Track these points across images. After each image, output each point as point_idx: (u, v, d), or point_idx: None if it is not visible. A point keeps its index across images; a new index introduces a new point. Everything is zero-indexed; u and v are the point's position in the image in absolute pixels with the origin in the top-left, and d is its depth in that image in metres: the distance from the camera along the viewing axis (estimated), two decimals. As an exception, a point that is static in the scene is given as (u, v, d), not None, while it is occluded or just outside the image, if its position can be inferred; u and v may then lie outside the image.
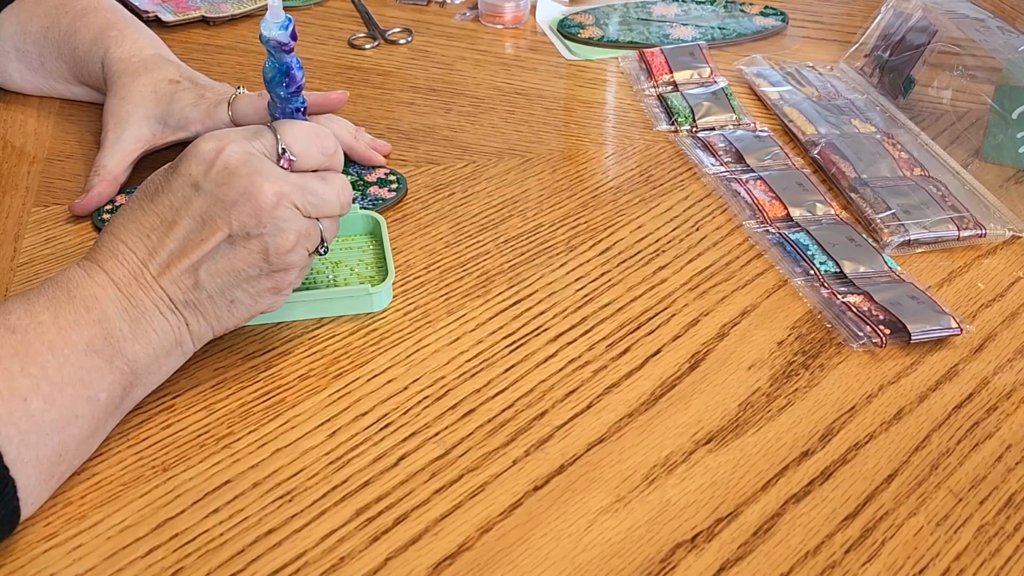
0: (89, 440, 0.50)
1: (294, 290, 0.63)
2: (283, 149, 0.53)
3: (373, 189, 0.75)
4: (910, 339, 0.60)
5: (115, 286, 0.51)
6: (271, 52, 0.56)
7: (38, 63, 0.83)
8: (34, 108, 0.86)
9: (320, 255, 0.57)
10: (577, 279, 0.66)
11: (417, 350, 0.60)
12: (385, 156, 0.79)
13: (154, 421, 0.55)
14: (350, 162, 0.77)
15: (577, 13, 1.06)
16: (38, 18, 0.81)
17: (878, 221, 0.70)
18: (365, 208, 0.72)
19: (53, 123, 0.84)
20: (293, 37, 0.55)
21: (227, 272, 0.52)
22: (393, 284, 0.64)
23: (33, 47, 0.82)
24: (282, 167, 0.53)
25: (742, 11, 1.06)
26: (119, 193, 0.73)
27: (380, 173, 0.77)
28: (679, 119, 0.85)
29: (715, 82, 0.91)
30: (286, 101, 0.58)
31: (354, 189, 0.75)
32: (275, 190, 0.51)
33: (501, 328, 0.62)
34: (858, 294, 0.64)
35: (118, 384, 0.50)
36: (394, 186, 0.75)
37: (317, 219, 0.55)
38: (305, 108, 0.59)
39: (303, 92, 0.58)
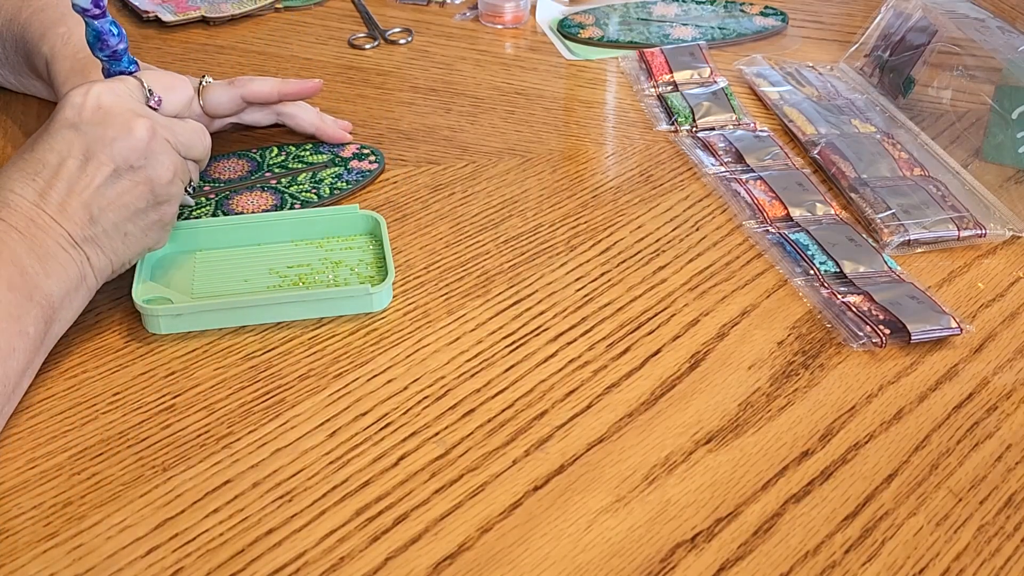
0: (25, 373, 0.54)
1: (294, 290, 0.64)
2: (150, 90, 0.60)
3: (354, 163, 0.77)
4: (910, 339, 0.60)
5: (16, 230, 0.54)
6: (84, 19, 0.60)
7: (2, 55, 0.84)
8: (34, 108, 0.86)
9: (191, 194, 0.64)
10: (577, 279, 0.66)
11: (417, 350, 0.60)
12: (349, 132, 0.82)
13: (154, 421, 0.55)
14: (320, 142, 0.80)
15: (577, 13, 1.06)
16: (4, 11, 0.82)
17: (878, 221, 0.70)
18: (355, 180, 0.75)
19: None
20: (96, 4, 0.59)
21: (118, 206, 0.56)
22: (393, 284, 0.64)
23: None
24: (152, 107, 0.60)
25: (742, 11, 1.06)
26: None
27: (353, 148, 0.79)
28: (679, 119, 0.85)
29: (715, 82, 0.91)
30: (110, 64, 0.62)
31: (335, 166, 0.77)
32: (149, 124, 0.57)
33: (501, 328, 0.62)
34: (858, 294, 0.64)
35: (41, 318, 0.54)
36: (372, 158, 0.78)
37: (185, 159, 0.61)
38: (134, 72, 0.63)
39: (127, 54, 0.62)
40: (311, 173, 0.76)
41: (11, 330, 0.52)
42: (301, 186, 0.74)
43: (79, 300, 0.57)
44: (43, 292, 0.54)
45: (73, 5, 0.59)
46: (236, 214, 0.71)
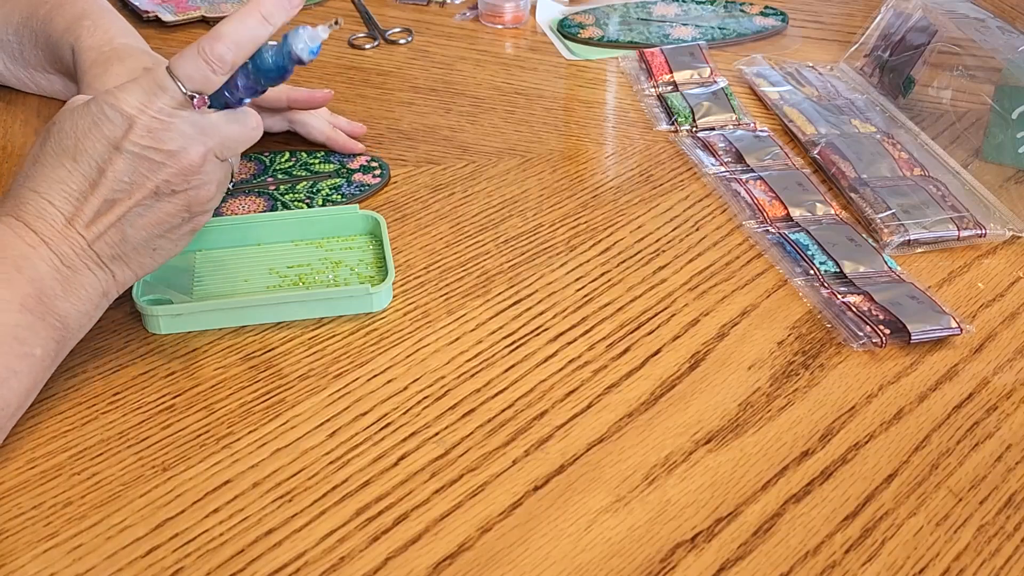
0: (29, 394, 0.52)
1: (294, 290, 0.64)
2: (191, 96, 0.53)
3: (357, 176, 0.76)
4: (910, 339, 0.60)
5: (46, 245, 0.52)
6: (287, 59, 0.56)
7: (18, 52, 0.84)
8: (34, 108, 0.86)
9: (229, 191, 0.61)
10: (577, 279, 0.66)
11: (417, 350, 0.60)
12: (361, 136, 0.81)
13: (154, 421, 0.55)
14: (330, 151, 0.79)
15: (577, 13, 1.06)
16: (20, 8, 0.82)
17: (878, 221, 0.70)
18: (352, 194, 0.74)
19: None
20: (310, 56, 0.56)
21: (152, 225, 0.54)
22: (393, 284, 0.64)
23: (14, 36, 0.83)
24: (197, 107, 0.54)
25: (742, 11, 1.06)
26: None
27: (362, 160, 0.78)
28: (679, 119, 0.85)
29: (715, 82, 0.91)
30: (252, 89, 0.57)
31: (338, 177, 0.76)
32: (202, 151, 0.54)
33: (501, 328, 0.62)
34: (858, 294, 0.64)
35: (52, 340, 0.52)
36: (377, 172, 0.77)
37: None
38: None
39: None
40: (311, 182, 0.75)
41: (13, 352, 0.50)
42: (297, 195, 0.74)
43: (97, 314, 0.56)
44: (58, 314, 0.52)
45: (290, 47, 0.55)
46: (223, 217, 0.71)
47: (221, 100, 0.56)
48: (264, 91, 0.58)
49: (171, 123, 0.53)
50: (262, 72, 0.56)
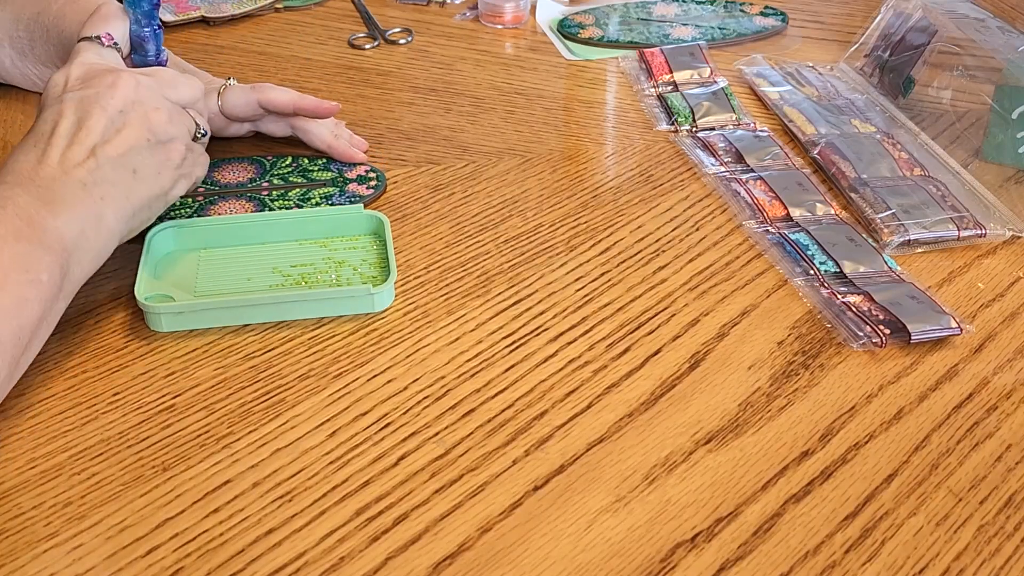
0: (43, 323, 0.54)
1: (296, 290, 0.64)
2: (98, 37, 0.64)
3: (352, 186, 0.75)
4: (910, 339, 0.60)
5: (20, 186, 0.55)
6: None
7: (28, 48, 0.84)
8: (33, 107, 0.86)
9: (200, 139, 0.65)
10: (577, 279, 0.66)
11: (417, 350, 0.60)
12: (364, 152, 0.80)
13: (154, 421, 0.55)
14: (331, 160, 0.78)
15: (577, 13, 1.06)
16: (31, 4, 0.82)
17: (878, 221, 0.70)
18: (340, 204, 0.73)
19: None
20: None
21: (120, 145, 0.58)
22: (394, 284, 0.64)
23: (25, 32, 0.83)
24: (107, 45, 0.64)
25: (742, 11, 1.06)
26: None
27: (360, 170, 0.77)
28: (679, 119, 0.85)
29: (715, 82, 0.91)
30: (150, 16, 0.66)
31: (334, 186, 0.75)
32: (131, 76, 0.60)
33: (501, 328, 0.62)
34: (858, 294, 0.64)
35: (55, 264, 0.54)
36: (372, 183, 0.76)
37: (181, 106, 0.63)
38: (162, 25, 0.68)
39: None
40: (304, 190, 0.75)
41: (23, 280, 0.52)
42: (287, 202, 0.73)
43: (99, 242, 0.57)
44: (54, 235, 0.54)
45: None
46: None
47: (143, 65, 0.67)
48: (161, 27, 0.67)
49: (95, 63, 0.61)
50: (140, 4, 0.65)
